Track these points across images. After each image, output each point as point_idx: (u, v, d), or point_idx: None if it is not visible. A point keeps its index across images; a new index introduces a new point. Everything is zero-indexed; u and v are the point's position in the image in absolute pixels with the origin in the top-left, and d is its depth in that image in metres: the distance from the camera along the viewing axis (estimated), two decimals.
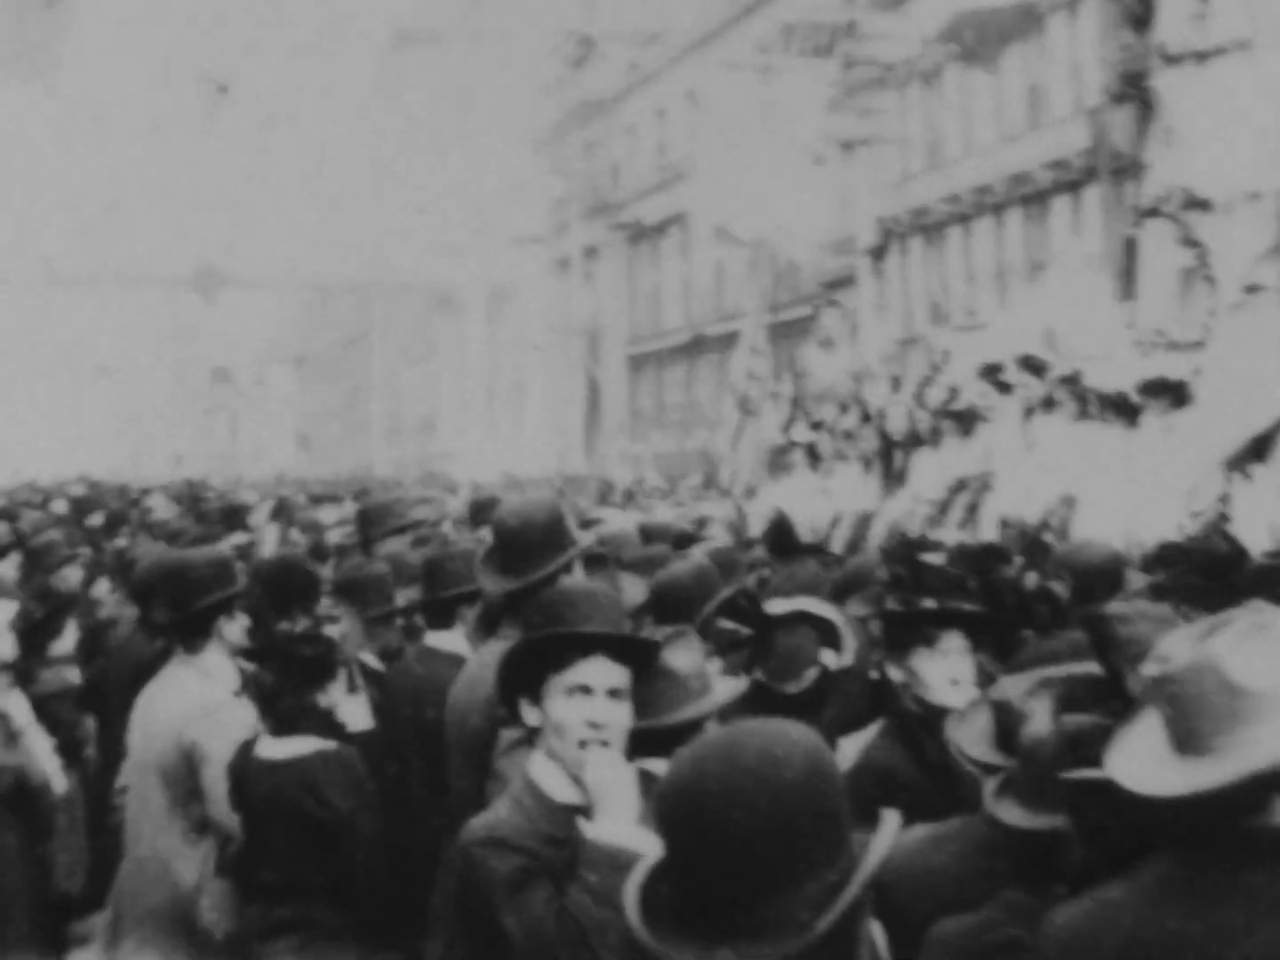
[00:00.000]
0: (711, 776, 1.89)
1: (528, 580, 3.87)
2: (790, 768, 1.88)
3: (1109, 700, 2.54)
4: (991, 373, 11.27)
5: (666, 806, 1.94)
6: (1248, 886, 2.13)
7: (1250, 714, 2.15)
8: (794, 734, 1.94)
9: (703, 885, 1.89)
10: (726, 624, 4.53)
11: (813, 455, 12.49)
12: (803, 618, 4.30)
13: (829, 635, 4.28)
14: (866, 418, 12.25)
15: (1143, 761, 2.24)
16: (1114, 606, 2.93)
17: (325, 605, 4.93)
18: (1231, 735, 2.15)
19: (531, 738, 2.99)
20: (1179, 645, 2.24)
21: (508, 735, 3.60)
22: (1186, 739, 2.19)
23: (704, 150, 26.82)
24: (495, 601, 4.14)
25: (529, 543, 3.92)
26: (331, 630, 4.11)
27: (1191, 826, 2.17)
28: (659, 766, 3.21)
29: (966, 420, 11.06)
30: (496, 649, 3.92)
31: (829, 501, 11.00)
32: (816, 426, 12.94)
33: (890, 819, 1.97)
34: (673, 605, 4.24)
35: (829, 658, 4.25)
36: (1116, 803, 2.17)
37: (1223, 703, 2.16)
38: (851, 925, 1.90)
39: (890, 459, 11.55)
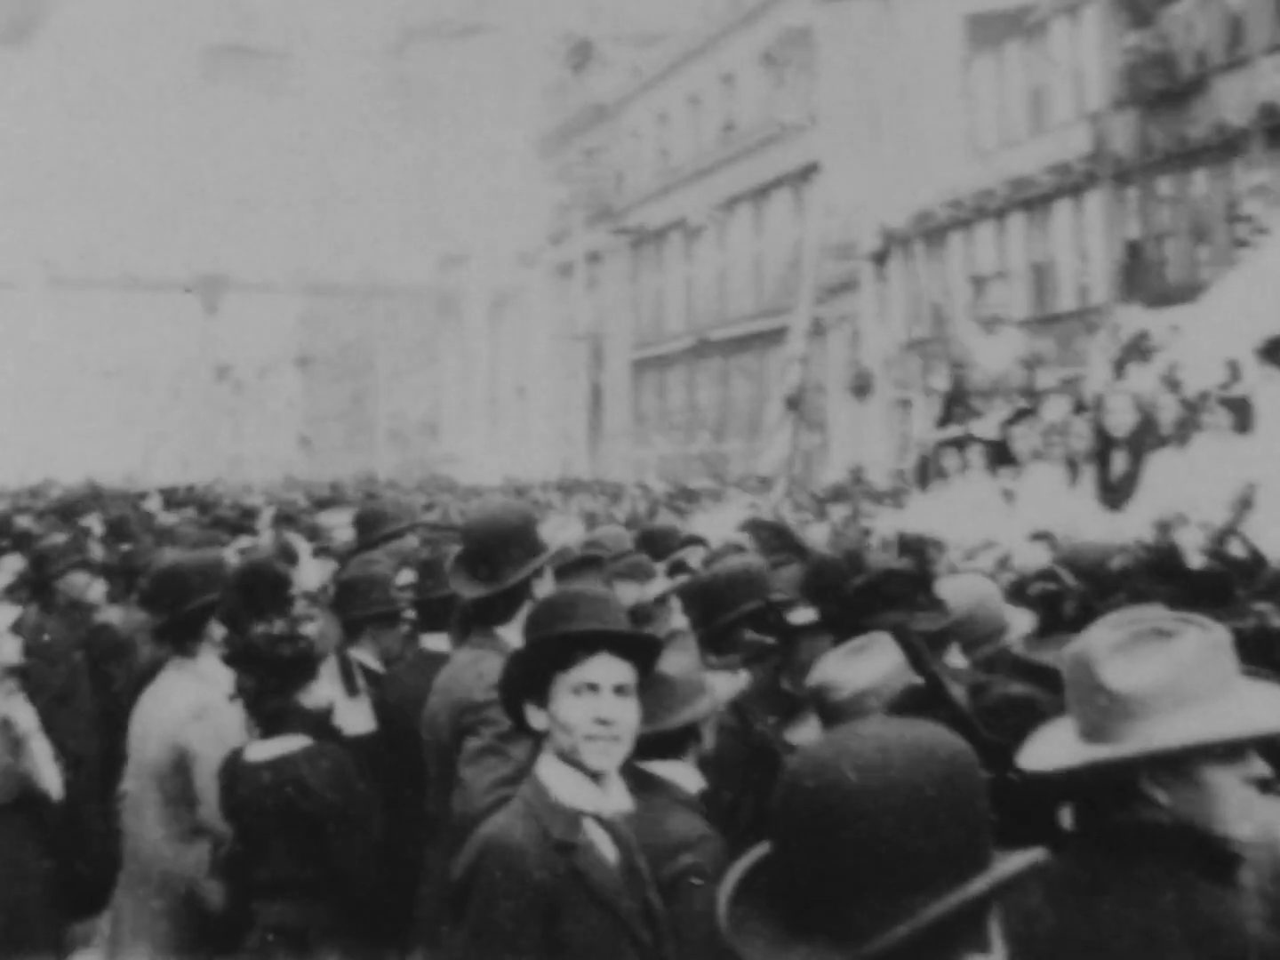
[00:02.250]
0: (841, 766, 1.70)
1: (498, 586, 3.84)
2: (928, 773, 1.68)
3: (933, 708, 2.56)
4: (1274, 352, 9.01)
5: (784, 789, 1.75)
6: (1118, 877, 2.19)
7: (1122, 712, 2.22)
8: (944, 739, 1.76)
9: (799, 878, 1.70)
10: (752, 635, 4.48)
11: (1001, 454, 10.26)
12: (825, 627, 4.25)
13: None
14: (1080, 408, 10.12)
15: (1048, 745, 2.32)
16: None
17: (301, 606, 4.92)
18: (1117, 727, 2.23)
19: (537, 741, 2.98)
20: (1077, 642, 2.33)
21: (473, 744, 3.59)
22: (1082, 727, 2.28)
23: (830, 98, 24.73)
24: (468, 607, 4.08)
25: (499, 548, 3.87)
26: (308, 629, 4.09)
27: (1074, 819, 2.22)
28: (659, 769, 3.24)
29: (1240, 412, 8.87)
30: (468, 656, 3.90)
31: (1014, 511, 9.32)
32: (1019, 418, 10.52)
33: (1031, 853, 1.73)
34: (709, 605, 4.22)
35: None
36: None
37: (1094, 699, 2.25)
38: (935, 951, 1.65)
39: (1108, 460, 9.49)
